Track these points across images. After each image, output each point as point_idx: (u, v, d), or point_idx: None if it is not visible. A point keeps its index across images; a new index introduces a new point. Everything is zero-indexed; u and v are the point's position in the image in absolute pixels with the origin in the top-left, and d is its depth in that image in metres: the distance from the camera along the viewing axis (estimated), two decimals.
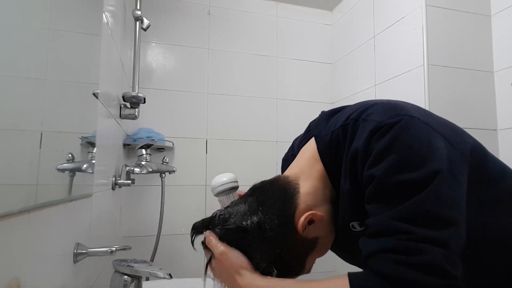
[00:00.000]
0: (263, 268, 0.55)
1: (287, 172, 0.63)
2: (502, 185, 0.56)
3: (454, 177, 0.49)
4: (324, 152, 0.59)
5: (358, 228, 0.57)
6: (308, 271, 0.62)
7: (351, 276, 0.47)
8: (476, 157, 0.54)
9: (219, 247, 0.55)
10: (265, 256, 0.55)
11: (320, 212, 0.58)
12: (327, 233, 0.61)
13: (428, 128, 0.52)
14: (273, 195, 0.58)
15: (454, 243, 0.45)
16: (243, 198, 0.61)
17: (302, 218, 0.56)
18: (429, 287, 0.42)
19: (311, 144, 0.63)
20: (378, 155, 0.49)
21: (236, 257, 0.55)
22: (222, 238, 0.56)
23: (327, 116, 0.63)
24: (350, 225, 0.57)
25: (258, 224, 0.55)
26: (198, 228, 0.59)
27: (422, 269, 0.43)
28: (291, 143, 0.77)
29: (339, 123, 0.58)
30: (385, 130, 0.50)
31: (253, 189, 0.62)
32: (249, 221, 0.55)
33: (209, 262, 0.58)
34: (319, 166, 0.60)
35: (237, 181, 0.62)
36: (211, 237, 0.56)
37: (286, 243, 0.56)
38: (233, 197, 0.62)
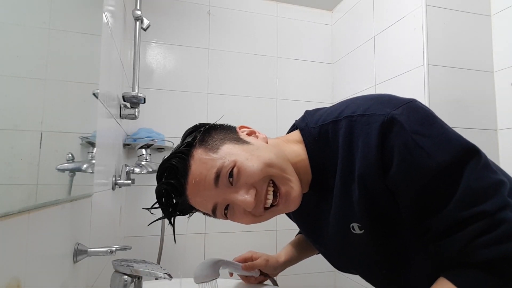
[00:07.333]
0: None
1: None
2: None
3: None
4: (310, 141, 0.60)
5: (357, 231, 0.56)
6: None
7: (453, 279, 0.46)
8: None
9: None
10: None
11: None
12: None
13: (427, 107, 0.53)
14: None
15: (509, 197, 0.47)
16: None
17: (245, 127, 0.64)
18: None
19: (296, 132, 0.65)
20: (401, 153, 0.48)
21: None
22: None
23: (312, 112, 0.65)
24: (351, 226, 0.57)
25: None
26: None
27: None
28: None
29: (329, 118, 0.57)
30: (394, 123, 0.49)
31: None
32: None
33: None
34: (298, 148, 0.61)
35: (219, 273, 0.67)
36: None
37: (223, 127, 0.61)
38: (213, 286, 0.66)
